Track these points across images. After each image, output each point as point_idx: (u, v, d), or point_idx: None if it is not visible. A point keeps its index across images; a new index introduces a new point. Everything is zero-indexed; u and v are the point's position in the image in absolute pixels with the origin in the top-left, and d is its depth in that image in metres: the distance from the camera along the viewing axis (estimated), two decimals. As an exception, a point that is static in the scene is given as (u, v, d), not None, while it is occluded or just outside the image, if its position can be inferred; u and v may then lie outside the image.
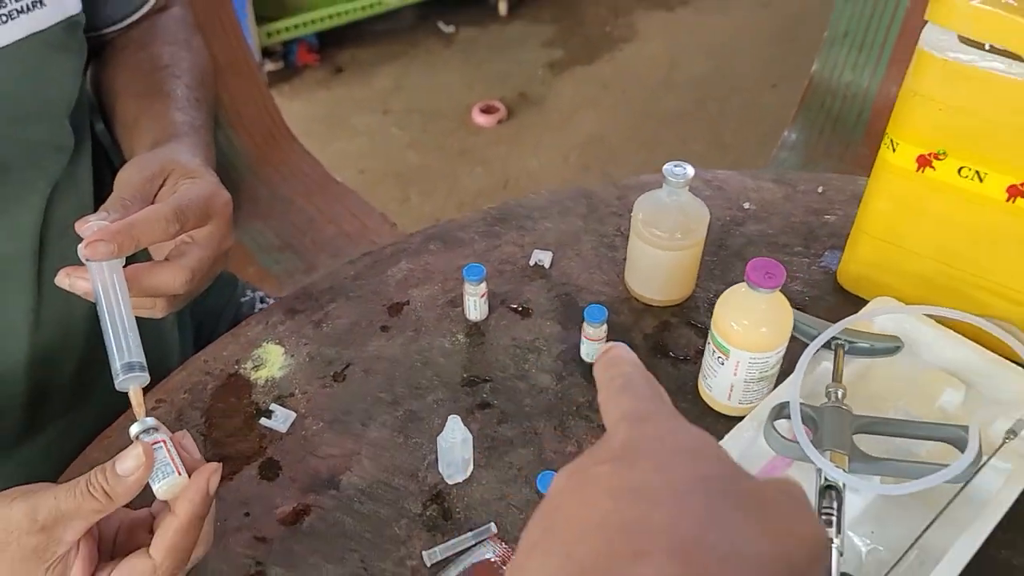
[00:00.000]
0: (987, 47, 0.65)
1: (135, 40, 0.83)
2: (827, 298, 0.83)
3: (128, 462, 0.49)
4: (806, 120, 1.61)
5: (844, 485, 0.61)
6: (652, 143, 2.47)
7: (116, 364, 0.54)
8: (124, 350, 0.54)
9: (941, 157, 0.70)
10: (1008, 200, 0.69)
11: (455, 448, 0.66)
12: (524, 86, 2.69)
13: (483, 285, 0.78)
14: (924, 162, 0.71)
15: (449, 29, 2.91)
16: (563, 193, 0.93)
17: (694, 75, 2.72)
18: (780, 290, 0.68)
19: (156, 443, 0.51)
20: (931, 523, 0.62)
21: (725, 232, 0.89)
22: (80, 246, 0.56)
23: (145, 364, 0.55)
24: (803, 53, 1.66)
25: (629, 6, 3.04)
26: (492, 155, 2.46)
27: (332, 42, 2.79)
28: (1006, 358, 0.71)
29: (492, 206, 0.92)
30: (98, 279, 0.56)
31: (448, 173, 2.40)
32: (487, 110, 2.56)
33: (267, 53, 2.67)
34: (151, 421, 0.52)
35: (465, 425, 0.68)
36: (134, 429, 0.51)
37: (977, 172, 0.69)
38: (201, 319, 1.00)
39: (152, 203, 0.63)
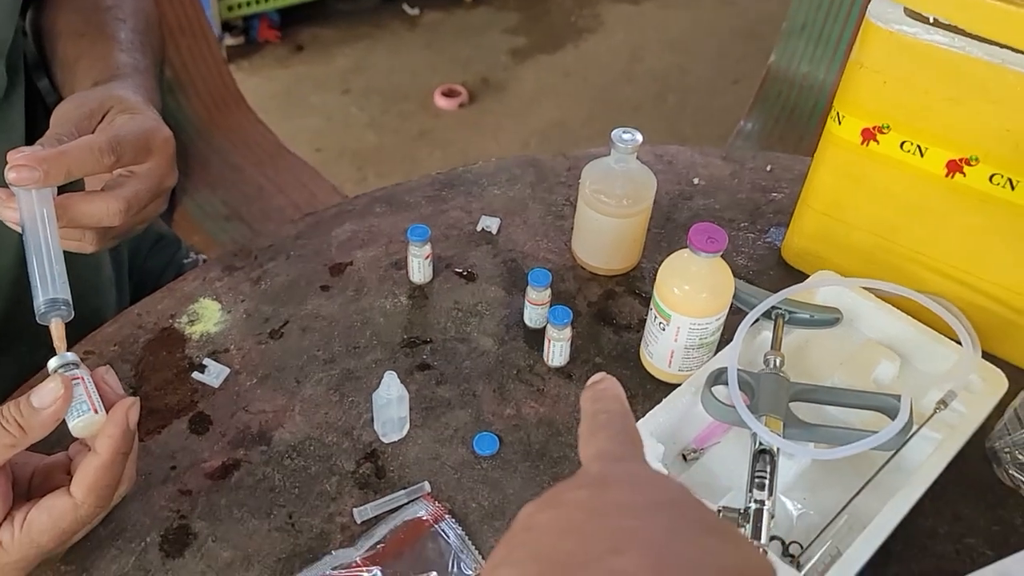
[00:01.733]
0: (931, 20, 0.65)
1: None
2: (770, 272, 0.83)
3: (44, 395, 0.47)
4: (762, 110, 1.63)
5: (778, 449, 0.61)
6: (610, 129, 2.48)
7: (39, 298, 0.52)
8: (49, 284, 0.52)
9: (885, 131, 0.71)
10: (947, 175, 0.70)
11: (391, 405, 0.65)
12: (487, 71, 2.68)
13: (427, 246, 0.77)
14: (869, 135, 0.72)
15: (414, 11, 2.88)
16: (512, 161, 0.93)
17: (656, 68, 2.73)
18: (723, 259, 0.68)
19: (75, 379, 0.49)
20: (861, 489, 0.63)
21: (673, 206, 0.89)
22: (6, 170, 0.53)
23: (70, 301, 0.53)
24: (766, 51, 1.68)
25: (595, -3, 3.04)
26: (452, 138, 2.44)
27: (294, 19, 2.75)
28: (941, 333, 0.72)
29: (440, 171, 0.91)
30: (25, 208, 0.54)
31: (406, 154, 2.38)
32: (449, 93, 2.54)
33: (227, 27, 2.62)
34: (71, 356, 0.50)
35: (405, 384, 0.67)
36: (52, 363, 0.50)
37: (918, 146, 0.70)
38: (141, 278, 0.97)
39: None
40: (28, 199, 0.54)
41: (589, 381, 0.40)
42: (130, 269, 0.96)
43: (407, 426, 0.68)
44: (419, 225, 0.77)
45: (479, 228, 0.85)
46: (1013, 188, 0.67)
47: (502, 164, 0.92)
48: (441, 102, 2.53)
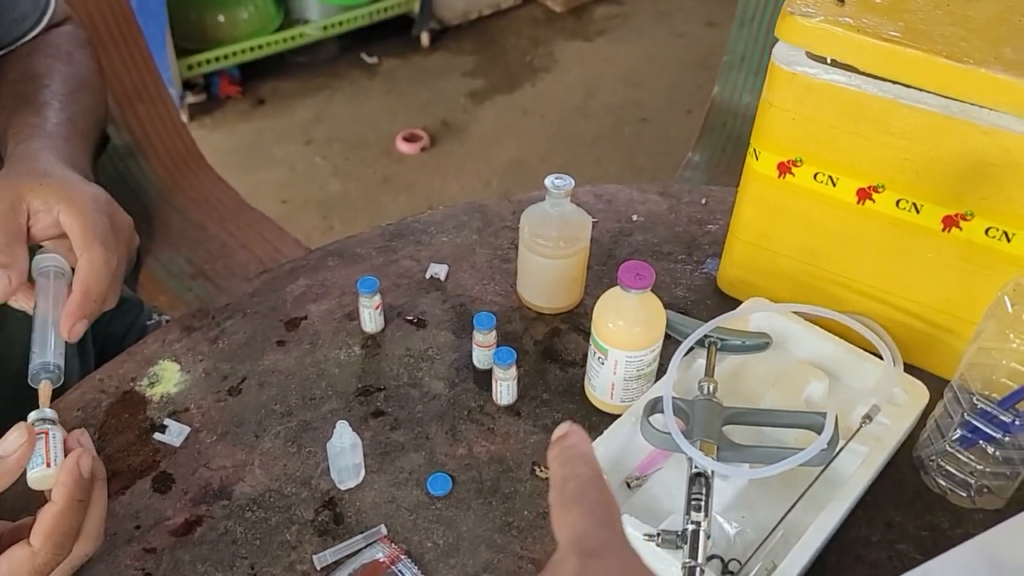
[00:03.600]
0: (828, 61, 0.70)
1: (15, 54, 0.84)
2: (708, 301, 0.87)
3: (8, 444, 0.50)
4: (708, 141, 1.68)
5: (712, 472, 0.65)
6: (570, 166, 2.53)
7: (35, 361, 0.58)
8: (48, 350, 0.58)
9: (798, 164, 0.76)
10: (859, 202, 0.74)
11: (344, 453, 0.68)
12: (446, 114, 2.74)
13: (377, 297, 0.81)
14: (784, 169, 0.76)
15: (372, 60, 2.94)
16: (459, 208, 0.97)
17: (611, 102, 2.80)
18: (654, 291, 0.72)
19: (40, 432, 0.52)
20: (794, 504, 0.66)
21: (613, 243, 0.93)
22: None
23: (62, 367, 0.60)
24: (715, 82, 1.74)
25: (549, 37, 3.12)
26: (415, 181, 2.49)
27: (254, 74, 2.80)
28: (866, 350, 0.76)
29: (390, 223, 0.95)
30: (41, 292, 0.62)
31: (371, 200, 2.42)
32: (410, 138, 2.59)
33: (189, 85, 2.66)
34: (50, 412, 0.54)
35: (358, 433, 0.70)
36: (31, 416, 0.53)
37: (830, 177, 0.75)
38: (104, 343, 1.00)
39: (28, 235, 0.65)
40: (46, 286, 0.61)
41: (554, 435, 0.37)
42: (94, 335, 0.98)
43: (363, 472, 0.71)
44: (368, 277, 0.80)
45: (428, 275, 0.89)
46: (918, 211, 0.72)
47: (449, 212, 0.96)
48: (403, 147, 2.58)
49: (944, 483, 0.71)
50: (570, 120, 2.73)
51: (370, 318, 0.82)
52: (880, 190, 0.73)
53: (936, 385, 0.74)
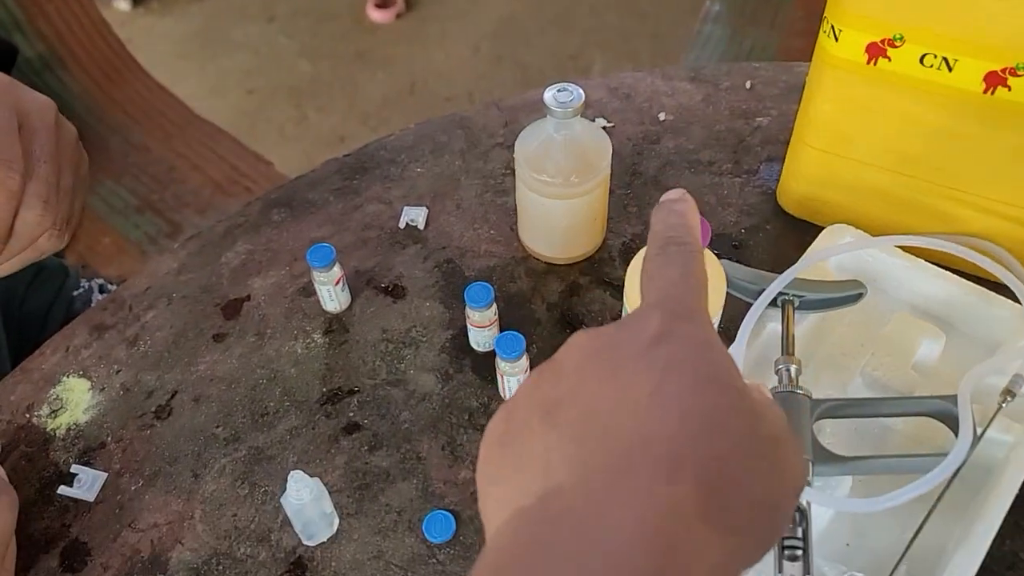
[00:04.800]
0: None
1: None
2: (767, 227, 0.67)
3: None
4: (729, -17, 1.42)
5: (808, 504, 0.47)
6: (566, 18, 2.25)
7: None
8: None
9: (898, 44, 0.54)
10: (986, 91, 0.53)
11: (305, 508, 0.51)
12: (421, -29, 2.42)
13: (335, 268, 0.61)
14: (876, 51, 0.55)
15: (332, -86, 2.59)
16: (434, 125, 0.75)
17: (607, -62, 2.47)
18: (709, 232, 0.52)
19: None
20: (920, 527, 0.49)
21: (637, 154, 0.72)
22: None
23: None
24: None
25: None
26: (394, 55, 2.22)
27: (201, -56, 2.48)
28: (988, 286, 0.57)
29: (347, 153, 0.74)
30: None
31: (347, 81, 2.16)
32: (383, 4, 2.30)
33: (126, -35, 2.35)
34: None
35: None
36: None
37: (945, 59, 0.53)
38: (20, 326, 0.81)
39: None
40: None
41: (663, 197, 0.35)
42: (5, 319, 0.80)
43: (336, 520, 0.54)
44: (320, 245, 0.60)
45: (403, 223, 0.69)
46: (1077, 99, 0.51)
47: (423, 131, 0.75)
48: (375, 15, 2.29)
49: (1109, 467, 0.53)
50: (562, -35, 2.41)
51: (330, 296, 0.62)
52: (1020, 72, 0.51)
53: (1086, 327, 0.55)
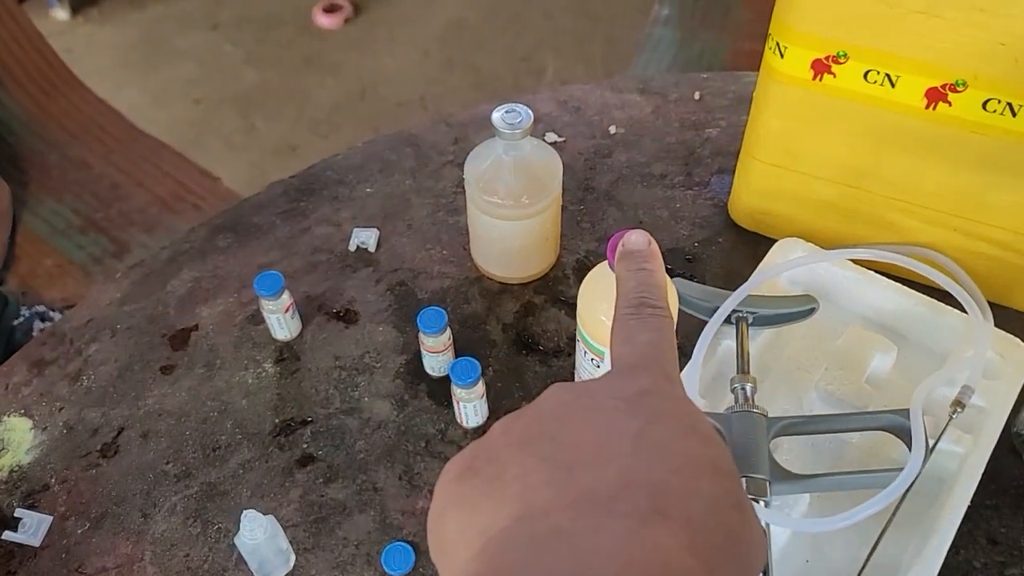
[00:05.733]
0: (893, -92, 0.47)
1: None
2: (720, 240, 0.67)
3: None
4: (676, -13, 1.43)
5: (768, 525, 0.47)
6: (517, 22, 2.25)
7: None
8: None
9: (842, 60, 0.54)
10: (928, 107, 0.54)
11: (260, 547, 0.49)
12: (368, -25, 2.40)
13: (284, 296, 0.60)
14: (821, 68, 0.55)
15: (275, -82, 2.56)
16: (382, 143, 0.74)
17: (554, -60, 2.47)
18: (651, 232, 0.52)
19: None
20: (876, 543, 0.49)
21: (590, 169, 0.72)
22: None
23: None
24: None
25: None
26: (342, 60, 2.19)
27: (140, -51, 2.42)
28: (935, 295, 0.58)
29: (293, 175, 0.72)
30: None
31: (295, 89, 2.13)
32: (330, 9, 2.27)
33: (63, -28, 2.29)
34: None
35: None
36: None
37: (888, 76, 0.53)
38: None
39: None
40: None
41: (628, 241, 0.35)
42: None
43: (292, 557, 0.52)
44: (268, 273, 0.59)
45: (353, 246, 0.68)
46: (1015, 114, 0.52)
47: (371, 150, 0.74)
48: (323, 20, 2.26)
49: (1056, 472, 0.54)
50: (510, -33, 2.41)
51: (279, 324, 0.61)
52: (960, 88, 0.52)
53: (1028, 331, 0.56)
